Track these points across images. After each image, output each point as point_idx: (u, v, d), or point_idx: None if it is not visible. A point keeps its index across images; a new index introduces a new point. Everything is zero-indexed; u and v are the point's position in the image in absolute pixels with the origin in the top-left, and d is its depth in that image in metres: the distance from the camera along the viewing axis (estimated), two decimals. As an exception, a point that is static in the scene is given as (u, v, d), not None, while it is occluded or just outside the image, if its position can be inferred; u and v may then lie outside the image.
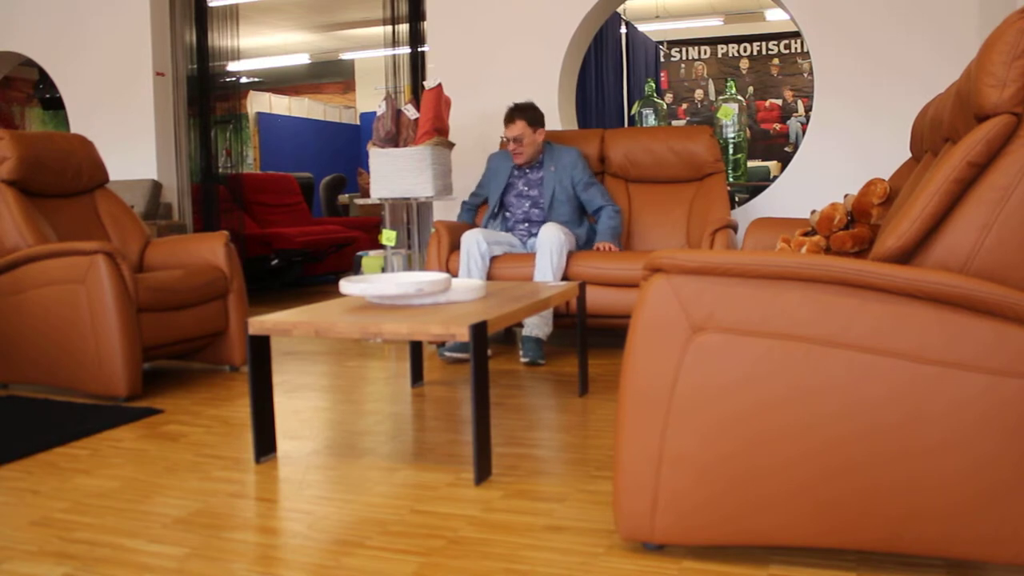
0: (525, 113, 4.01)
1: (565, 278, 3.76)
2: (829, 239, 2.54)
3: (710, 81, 10.90)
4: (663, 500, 1.59)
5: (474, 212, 4.33)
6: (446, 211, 5.13)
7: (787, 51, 10.56)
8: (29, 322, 3.19)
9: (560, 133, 4.54)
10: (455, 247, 4.02)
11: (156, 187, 5.56)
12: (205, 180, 6.02)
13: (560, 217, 4.04)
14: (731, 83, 7.51)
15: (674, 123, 10.54)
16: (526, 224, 4.14)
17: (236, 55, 6.04)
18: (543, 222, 4.09)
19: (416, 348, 3.34)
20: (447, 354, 3.70)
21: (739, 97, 7.02)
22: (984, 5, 4.14)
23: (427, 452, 2.43)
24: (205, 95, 5.97)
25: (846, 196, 2.59)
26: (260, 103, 11.32)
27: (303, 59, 13.18)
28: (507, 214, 4.20)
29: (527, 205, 4.13)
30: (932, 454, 1.46)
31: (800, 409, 1.51)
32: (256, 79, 13.32)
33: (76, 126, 5.93)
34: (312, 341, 4.45)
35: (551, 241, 3.67)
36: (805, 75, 10.35)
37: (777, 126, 10.55)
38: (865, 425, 1.48)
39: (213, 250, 3.61)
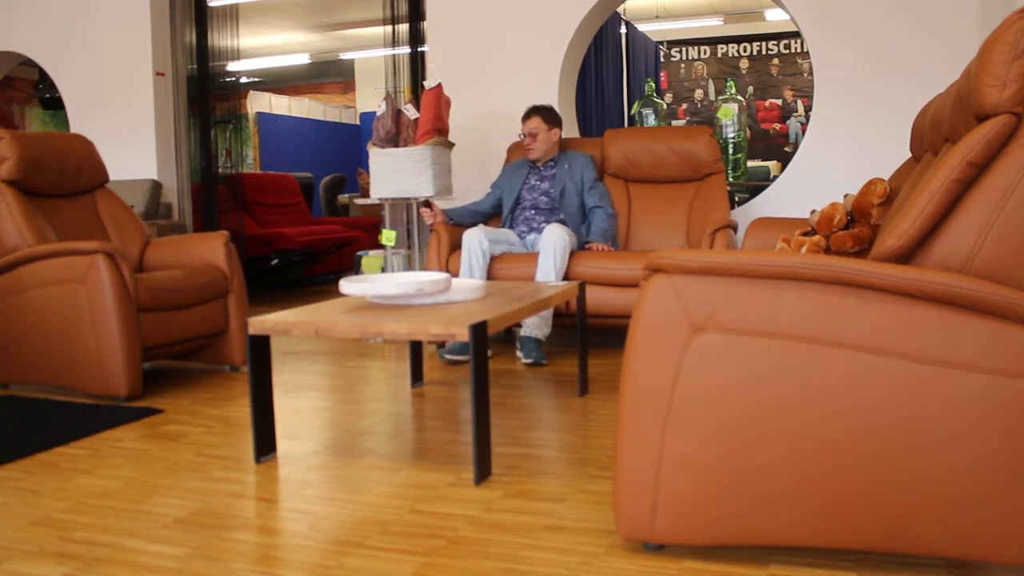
0: (541, 111, 4.22)
1: (566, 278, 3.76)
2: (829, 239, 2.54)
3: (710, 81, 10.90)
4: (663, 500, 1.59)
5: (477, 214, 4.29)
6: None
7: (787, 51, 10.56)
8: (29, 322, 3.19)
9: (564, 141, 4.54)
10: (455, 247, 4.02)
11: (156, 187, 5.56)
12: (205, 180, 6.01)
13: (569, 208, 4.13)
14: (731, 83, 7.52)
15: (674, 123, 10.54)
16: (533, 211, 4.18)
17: (236, 55, 6.04)
18: (550, 210, 4.15)
19: (416, 348, 3.34)
20: (447, 356, 3.69)
21: (739, 97, 7.02)
22: (984, 5, 4.14)
23: (427, 452, 2.43)
24: (205, 95, 5.97)
25: (846, 196, 2.59)
26: (260, 103, 11.32)
27: (303, 59, 13.18)
28: (517, 206, 4.23)
29: (537, 194, 4.22)
30: (932, 454, 1.46)
31: (800, 409, 1.51)
32: (256, 79, 13.33)
33: (76, 126, 5.93)
34: (312, 341, 4.45)
35: (555, 242, 3.68)
36: (805, 75, 10.35)
37: (777, 126, 10.55)
38: (865, 425, 1.48)
39: (213, 250, 3.61)
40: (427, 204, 4.15)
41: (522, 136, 4.23)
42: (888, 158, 4.23)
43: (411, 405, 3.01)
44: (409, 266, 4.53)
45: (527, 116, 4.22)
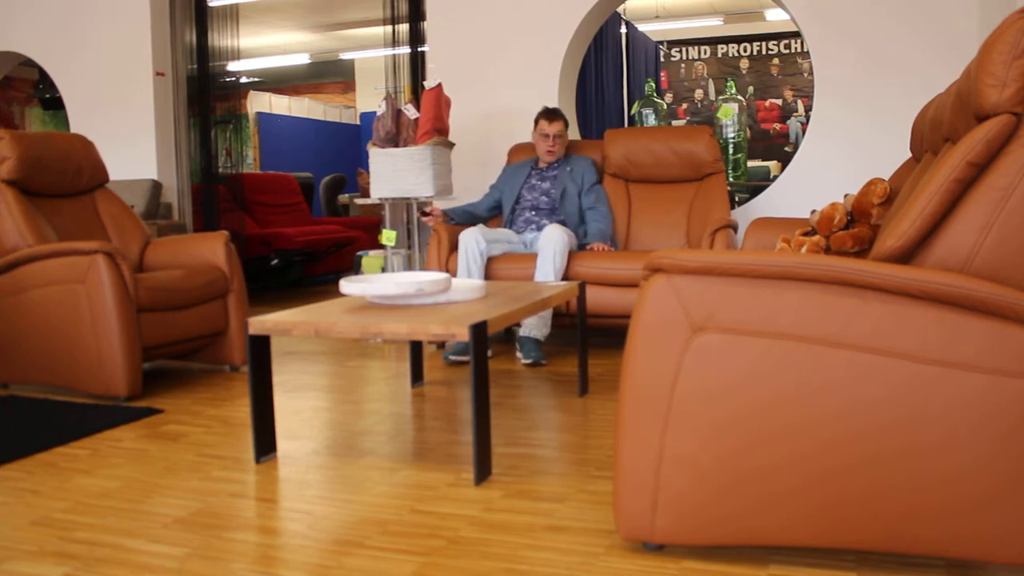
0: (563, 115, 4.31)
1: (566, 278, 3.76)
2: (829, 239, 2.54)
3: (710, 81, 10.90)
4: (663, 500, 1.59)
5: (472, 216, 4.29)
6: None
7: (787, 51, 10.56)
8: (29, 322, 3.19)
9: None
10: (455, 247, 4.02)
11: (156, 187, 5.56)
12: (205, 180, 6.01)
13: (569, 209, 4.16)
14: (731, 83, 7.52)
15: (674, 123, 10.54)
16: (533, 212, 4.21)
17: (236, 55, 6.04)
18: (550, 210, 4.17)
19: (416, 348, 3.34)
20: (451, 357, 3.68)
21: (739, 97, 7.02)
22: (984, 5, 4.14)
23: (427, 452, 2.43)
24: (205, 95, 5.97)
25: (846, 196, 2.58)
26: (260, 103, 11.32)
27: (303, 59, 13.18)
28: (517, 206, 4.24)
29: (537, 194, 4.25)
30: (932, 454, 1.46)
31: (800, 409, 1.51)
32: (256, 79, 13.32)
33: (76, 126, 5.93)
34: (312, 341, 4.45)
35: (555, 242, 3.68)
36: (805, 75, 10.35)
37: (777, 126, 10.55)
38: (865, 425, 1.48)
39: (213, 250, 3.61)
40: (425, 214, 4.16)
41: (546, 136, 4.23)
42: (888, 158, 4.23)
43: (411, 405, 3.01)
44: (409, 266, 4.53)
45: (553, 118, 4.23)
